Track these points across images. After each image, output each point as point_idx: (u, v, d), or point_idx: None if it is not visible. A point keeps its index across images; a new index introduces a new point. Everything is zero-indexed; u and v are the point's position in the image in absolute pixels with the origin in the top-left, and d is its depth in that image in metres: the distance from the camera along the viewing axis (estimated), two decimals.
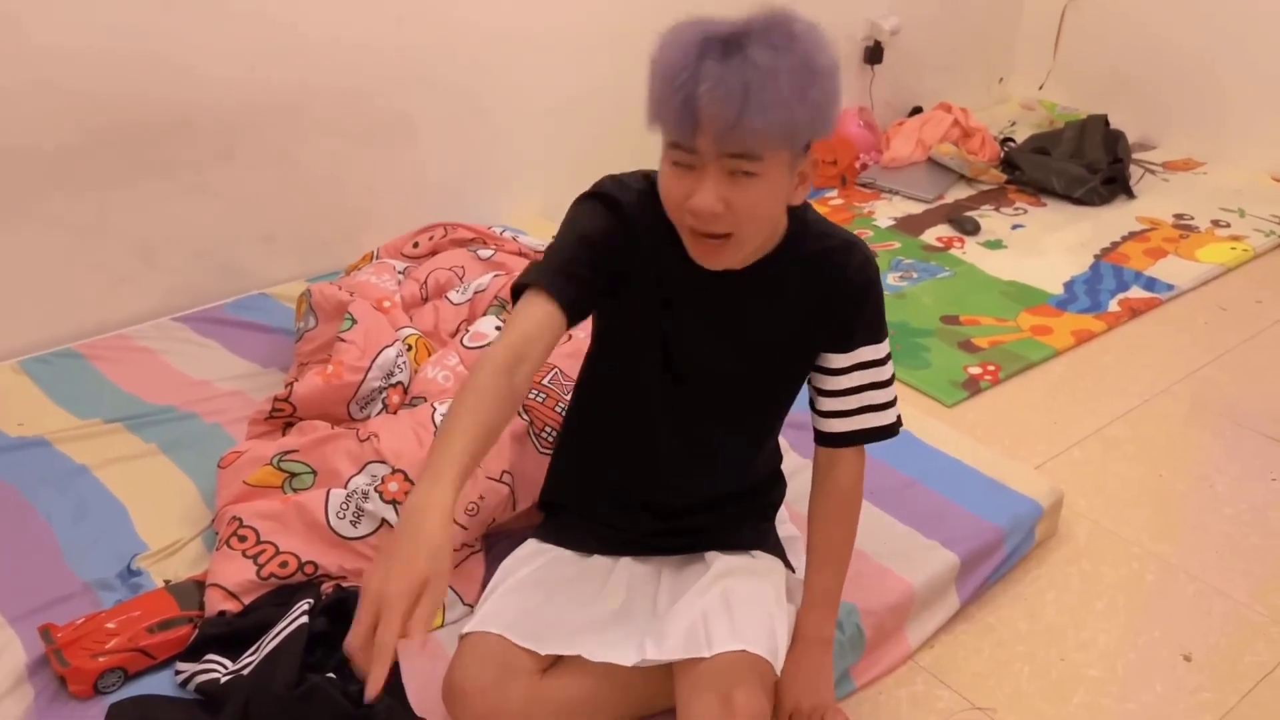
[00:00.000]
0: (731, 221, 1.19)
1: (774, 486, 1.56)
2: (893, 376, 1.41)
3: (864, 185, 3.48)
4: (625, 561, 1.49)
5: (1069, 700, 1.63)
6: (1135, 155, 3.61)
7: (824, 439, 1.42)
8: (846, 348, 1.37)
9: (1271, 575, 1.88)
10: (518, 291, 1.27)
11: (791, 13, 1.16)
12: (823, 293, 1.34)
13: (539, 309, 1.23)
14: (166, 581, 1.63)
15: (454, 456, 1.10)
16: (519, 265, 2.26)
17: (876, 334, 1.38)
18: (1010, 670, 1.68)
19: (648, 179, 1.32)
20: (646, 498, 1.48)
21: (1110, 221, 3.24)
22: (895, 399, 1.42)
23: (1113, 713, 1.60)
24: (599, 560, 1.49)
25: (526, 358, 1.21)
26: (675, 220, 1.24)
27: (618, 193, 1.31)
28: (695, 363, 1.38)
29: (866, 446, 1.45)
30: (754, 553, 1.49)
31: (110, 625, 1.49)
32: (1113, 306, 2.75)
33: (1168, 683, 1.66)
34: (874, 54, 3.66)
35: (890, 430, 1.42)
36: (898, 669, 1.67)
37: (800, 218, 1.32)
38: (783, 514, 1.64)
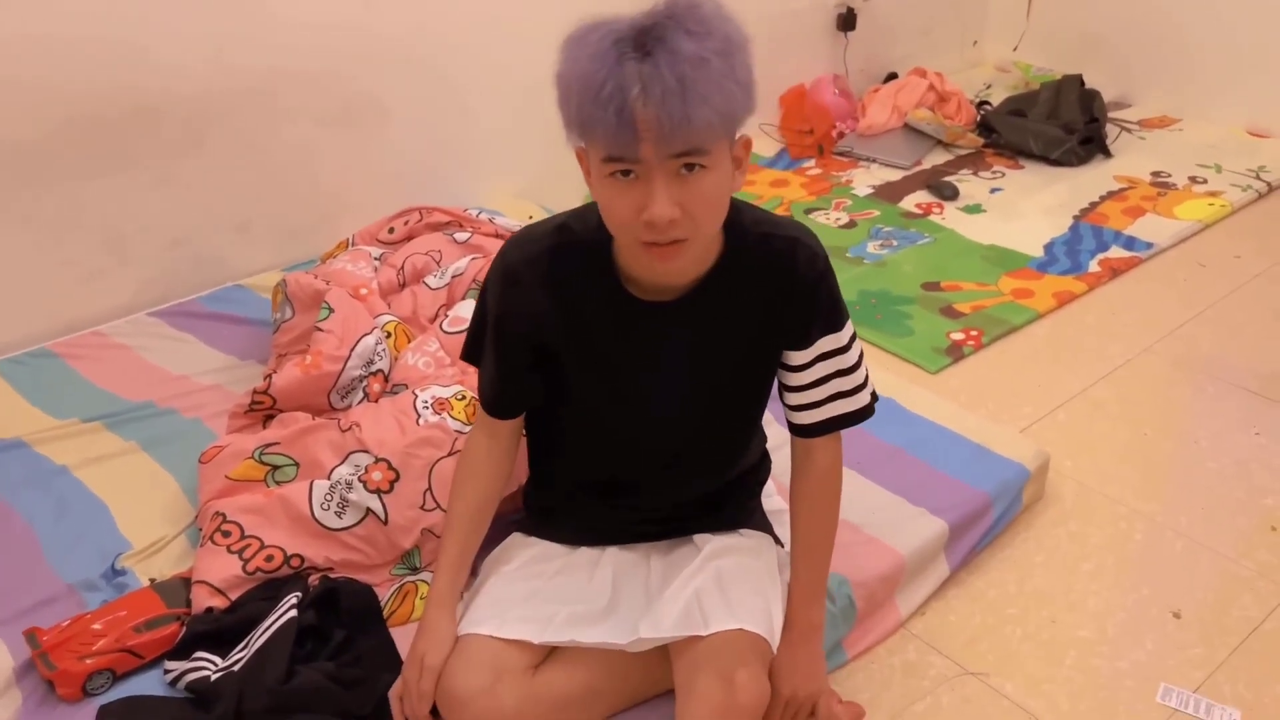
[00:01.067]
0: (688, 224, 1.14)
1: (759, 464, 1.55)
2: (860, 358, 1.37)
3: (841, 154, 3.46)
4: (611, 551, 1.48)
5: (1061, 661, 1.63)
6: (1111, 114, 3.60)
7: (797, 430, 1.40)
8: (806, 344, 1.33)
9: (1256, 529, 1.89)
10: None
11: None
12: (774, 296, 1.29)
13: (488, 428, 1.42)
14: (152, 580, 1.61)
15: (450, 550, 1.40)
16: (495, 247, 2.23)
17: (835, 323, 1.33)
18: (1001, 634, 1.69)
19: (559, 229, 1.29)
20: (627, 502, 1.47)
21: (1088, 182, 3.23)
22: (865, 380, 1.38)
23: (1104, 672, 1.61)
24: (585, 551, 1.48)
25: (501, 439, 1.43)
26: (624, 238, 1.19)
27: (520, 264, 1.29)
28: (655, 393, 1.35)
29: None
30: (742, 531, 1.48)
31: (96, 626, 1.48)
32: (1093, 267, 2.75)
33: (1158, 640, 1.67)
34: (847, 21, 3.63)
35: (864, 413, 1.39)
36: (890, 638, 1.67)
37: (735, 221, 1.25)
38: (770, 487, 1.63)
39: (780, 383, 1.40)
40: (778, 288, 1.29)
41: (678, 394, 1.36)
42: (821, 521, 1.43)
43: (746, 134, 1.19)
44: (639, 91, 1.04)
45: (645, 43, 1.05)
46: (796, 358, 1.34)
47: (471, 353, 1.41)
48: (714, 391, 1.37)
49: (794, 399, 1.38)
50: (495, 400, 1.40)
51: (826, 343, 1.33)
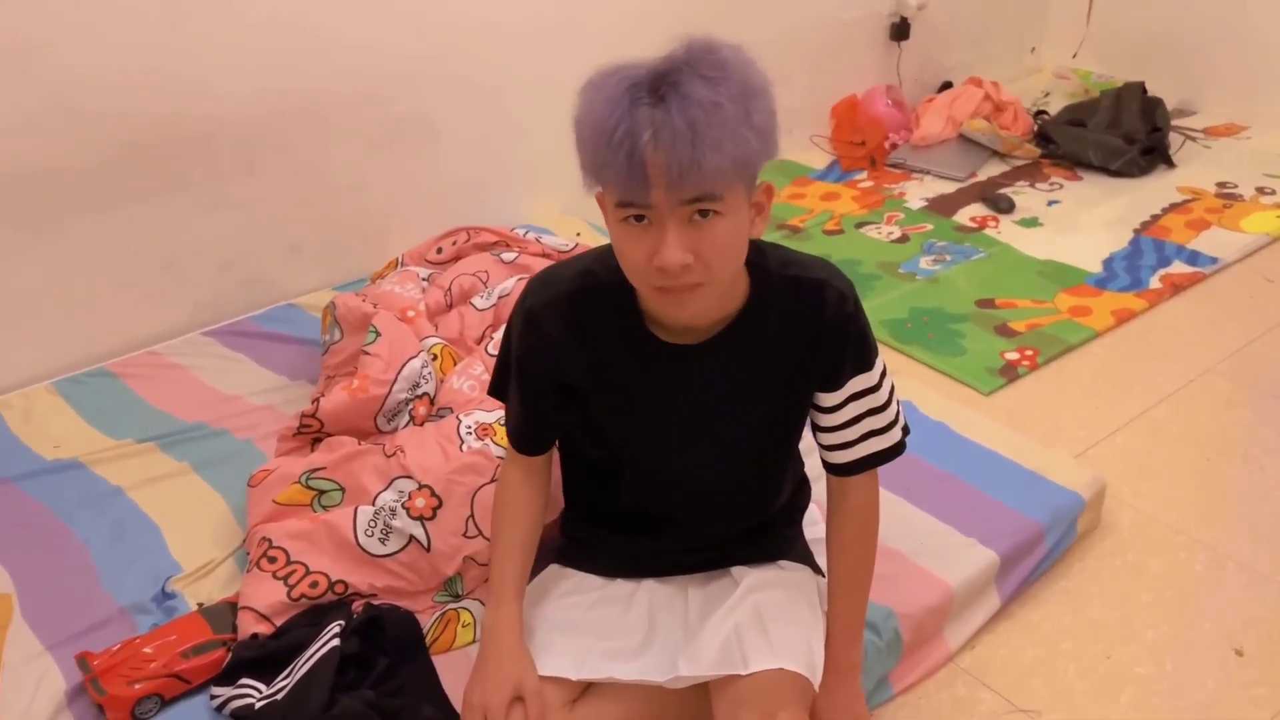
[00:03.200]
0: (701, 270, 1.13)
1: (797, 493, 1.52)
2: (890, 394, 1.35)
3: (894, 166, 3.42)
4: (648, 584, 1.46)
5: (1117, 699, 1.59)
6: (1175, 122, 3.51)
7: (832, 469, 1.39)
8: (838, 386, 1.31)
9: None
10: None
11: (713, 39, 1.08)
12: (803, 341, 1.27)
13: (520, 464, 1.42)
14: (200, 604, 1.63)
15: (510, 575, 1.37)
16: (542, 267, 2.24)
17: (866, 362, 1.31)
18: (1055, 669, 1.64)
19: (583, 273, 1.28)
20: (663, 534, 1.45)
21: (1150, 193, 3.15)
22: (897, 416, 1.36)
23: (1162, 711, 1.56)
24: (621, 584, 1.46)
25: (535, 473, 1.42)
26: (639, 283, 1.18)
27: (541, 308, 1.28)
28: (685, 435, 1.34)
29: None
30: (781, 563, 1.46)
31: (146, 650, 1.50)
32: (1154, 283, 2.68)
33: (1219, 678, 1.61)
34: (900, 30, 3.58)
35: (896, 450, 1.37)
36: (938, 672, 1.64)
37: (759, 265, 1.24)
38: (813, 513, 1.60)
39: (813, 422, 1.38)
40: (807, 330, 1.27)
41: (707, 437, 1.34)
42: (859, 560, 1.41)
43: (769, 181, 1.17)
44: (650, 136, 1.03)
45: (660, 88, 1.04)
46: (828, 399, 1.33)
47: (498, 389, 1.41)
48: (744, 434, 1.35)
49: (827, 439, 1.36)
50: (523, 438, 1.40)
51: (858, 383, 1.31)
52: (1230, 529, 1.90)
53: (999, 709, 1.58)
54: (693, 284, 1.13)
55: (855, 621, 1.42)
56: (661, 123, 1.03)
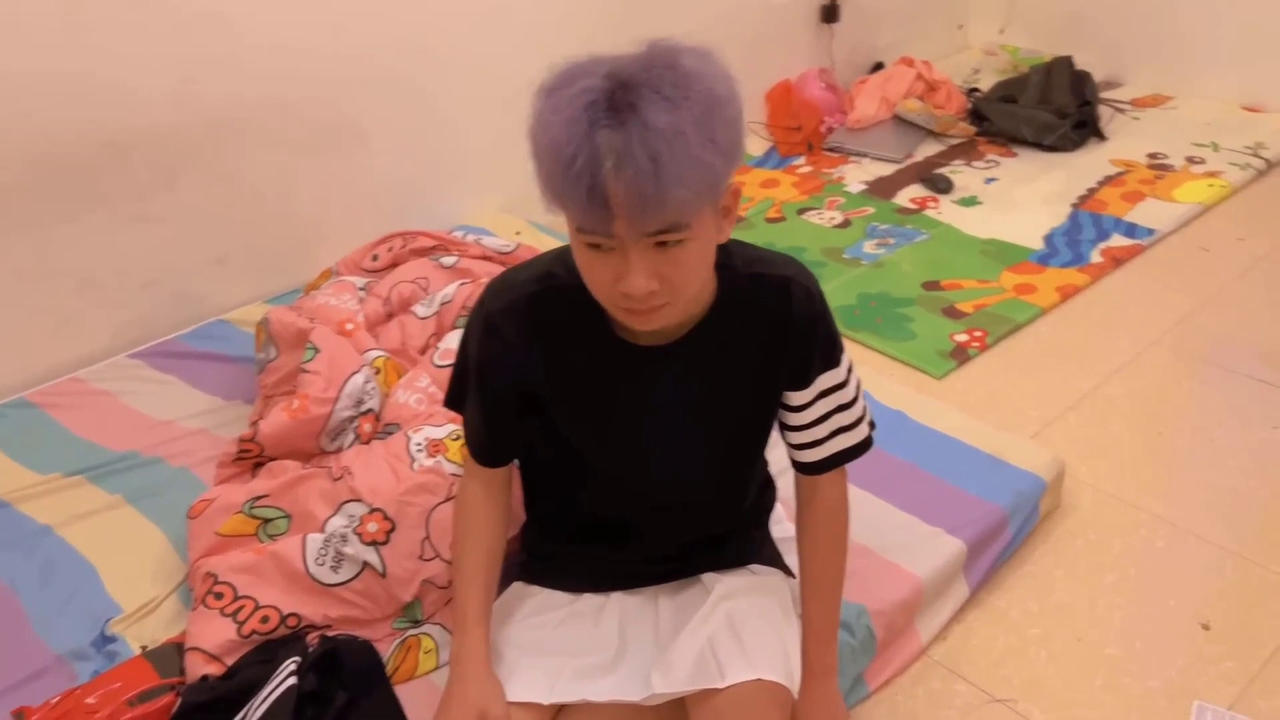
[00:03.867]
0: (668, 292, 1.09)
1: (763, 494, 1.49)
2: (857, 389, 1.33)
3: (831, 150, 3.40)
4: (616, 596, 1.42)
5: (1089, 683, 1.58)
6: (1103, 95, 3.54)
7: (801, 468, 1.36)
8: (806, 384, 1.29)
9: None
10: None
11: (675, 46, 1.02)
12: (771, 338, 1.25)
13: (481, 477, 1.36)
14: (144, 647, 1.55)
15: (474, 602, 1.31)
16: (484, 270, 2.18)
17: (833, 358, 1.29)
18: (1026, 656, 1.63)
19: (543, 276, 1.23)
20: (630, 544, 1.41)
21: (1084, 167, 3.17)
22: (865, 412, 1.34)
23: (1135, 692, 1.56)
24: (589, 598, 1.42)
25: (496, 486, 1.37)
26: (602, 300, 1.13)
27: (500, 314, 1.23)
28: (652, 440, 1.30)
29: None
30: (752, 567, 1.42)
31: (89, 701, 1.42)
32: (1095, 257, 2.69)
33: (1188, 654, 1.62)
34: (830, 12, 3.56)
35: (864, 446, 1.35)
36: (911, 666, 1.62)
37: (726, 265, 1.19)
38: (778, 512, 1.57)
39: (781, 422, 1.35)
40: (774, 329, 1.24)
41: (675, 440, 1.30)
42: (832, 558, 1.38)
43: (736, 182, 1.13)
44: (611, 165, 0.97)
45: (619, 108, 0.98)
46: (797, 398, 1.30)
47: (455, 400, 1.35)
48: (712, 435, 1.31)
49: (796, 438, 1.33)
50: (484, 449, 1.35)
51: (826, 380, 1.29)
52: (1187, 502, 1.91)
53: (975, 700, 1.56)
54: (659, 305, 1.09)
55: (830, 622, 1.39)
56: (623, 151, 0.97)
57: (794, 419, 1.32)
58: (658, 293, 1.07)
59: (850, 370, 1.32)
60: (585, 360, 1.24)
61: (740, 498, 1.42)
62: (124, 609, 1.62)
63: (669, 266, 1.06)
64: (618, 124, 0.97)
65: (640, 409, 1.27)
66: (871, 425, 1.36)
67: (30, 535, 1.78)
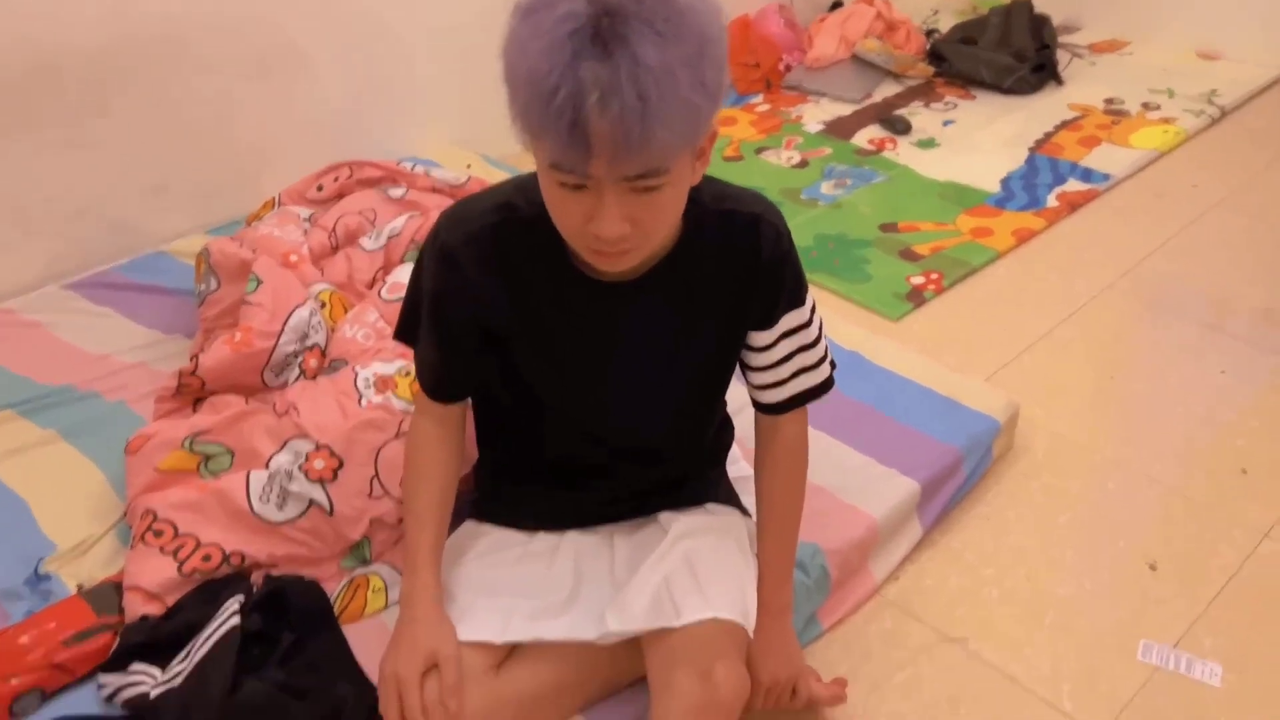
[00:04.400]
0: (638, 237, 1.04)
1: (721, 433, 1.47)
2: (820, 330, 1.31)
3: (789, 88, 3.35)
4: (571, 536, 1.39)
5: (1040, 622, 1.59)
6: (1061, 39, 3.52)
7: (762, 408, 1.34)
8: (771, 324, 1.26)
9: (1228, 473, 1.86)
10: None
11: None
12: (737, 276, 1.21)
13: (434, 414, 1.32)
14: (80, 586, 1.49)
15: (425, 542, 1.27)
16: (434, 203, 2.11)
17: (798, 297, 1.26)
18: (979, 596, 1.64)
19: (501, 206, 1.17)
20: (586, 484, 1.38)
21: (1041, 111, 3.16)
22: (826, 352, 1.33)
23: (1085, 631, 1.58)
24: (543, 537, 1.39)
25: (450, 423, 1.32)
26: (569, 239, 1.08)
27: (458, 245, 1.17)
28: (613, 376, 1.26)
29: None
30: (708, 506, 1.40)
31: (22, 640, 1.37)
32: (1051, 201, 2.69)
33: (1135, 594, 1.64)
34: None
35: (825, 386, 1.34)
36: (865, 605, 1.62)
37: (693, 200, 1.13)
38: (735, 453, 1.55)
39: (743, 362, 1.32)
40: (741, 267, 1.21)
41: (637, 377, 1.27)
42: (790, 499, 1.37)
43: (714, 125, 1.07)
44: (595, 101, 0.90)
45: (606, 38, 0.90)
46: (761, 338, 1.27)
47: (406, 332, 1.30)
48: (675, 373, 1.28)
49: (758, 378, 1.31)
50: (438, 385, 1.30)
51: (790, 319, 1.27)
52: (1139, 445, 1.93)
53: (928, 639, 1.57)
54: (628, 248, 1.05)
55: (786, 562, 1.39)
56: (609, 86, 0.90)
57: (757, 359, 1.30)
58: (629, 236, 1.03)
59: (814, 310, 1.30)
60: (547, 295, 1.20)
61: (700, 437, 1.40)
62: (59, 547, 1.57)
63: (643, 210, 1.01)
64: (604, 56, 0.90)
65: (602, 346, 1.24)
66: (833, 365, 1.35)
67: None
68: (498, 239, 1.18)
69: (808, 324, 1.29)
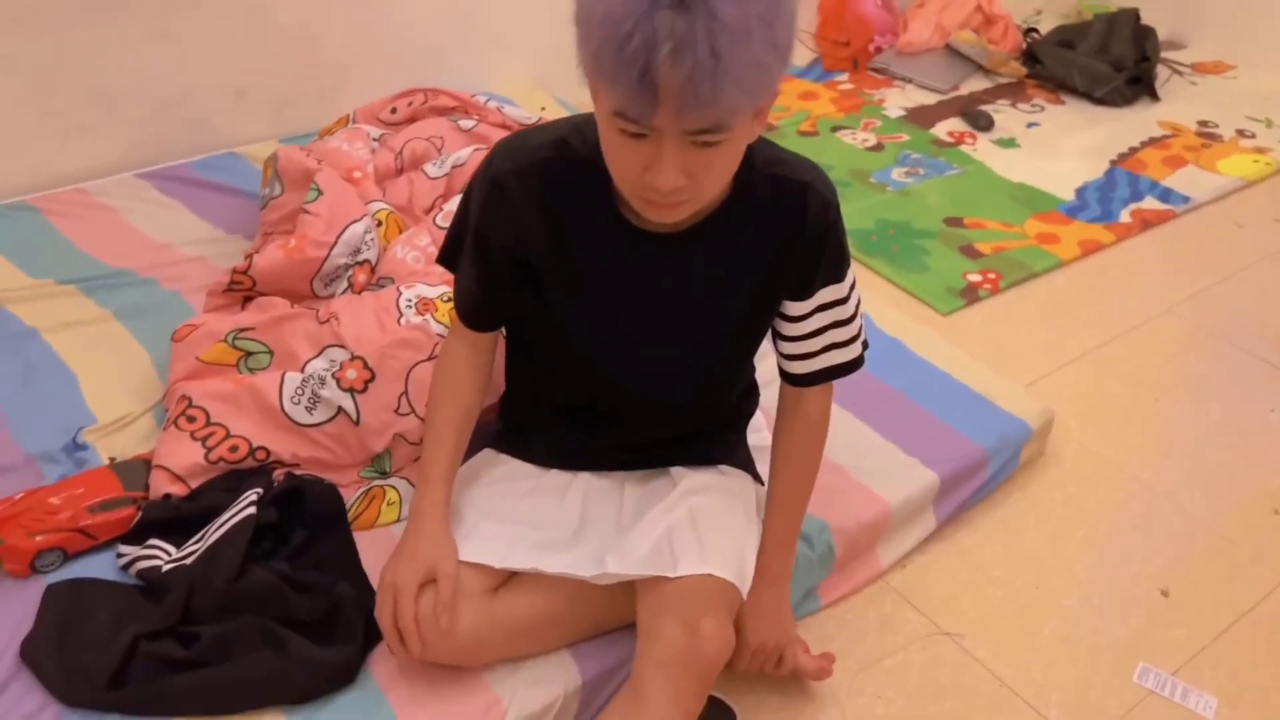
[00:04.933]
0: (693, 190, 1.05)
1: (745, 399, 1.47)
2: (856, 307, 1.31)
3: (876, 70, 3.30)
4: (584, 476, 1.41)
5: (1040, 629, 1.59)
6: (1164, 54, 3.42)
7: (788, 378, 1.35)
8: (807, 295, 1.26)
9: (1259, 511, 1.83)
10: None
11: None
12: (779, 242, 1.21)
13: (467, 339, 1.34)
14: (112, 459, 1.56)
15: (441, 459, 1.30)
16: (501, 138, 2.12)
17: (838, 273, 1.26)
18: (982, 595, 1.64)
19: (558, 143, 1.18)
20: (605, 429, 1.40)
21: (1131, 125, 3.08)
22: (860, 330, 1.32)
23: (1083, 645, 1.57)
24: (556, 474, 1.41)
25: (481, 350, 1.35)
26: (623, 186, 1.09)
27: (509, 175, 1.18)
28: (642, 326, 1.27)
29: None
30: (722, 467, 1.41)
31: (52, 501, 1.43)
32: (1124, 217, 2.63)
33: (1142, 617, 1.62)
34: None
35: (854, 364, 1.34)
36: (866, 588, 1.62)
37: (745, 159, 1.13)
38: (758, 420, 1.56)
39: (775, 330, 1.33)
40: (785, 234, 1.21)
41: (665, 330, 1.28)
42: (803, 471, 1.38)
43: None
44: (668, 52, 0.90)
45: None
46: (796, 308, 1.27)
47: (449, 258, 1.33)
48: (704, 332, 1.29)
49: (789, 348, 1.31)
50: (473, 312, 1.33)
51: (827, 294, 1.27)
52: (1170, 471, 1.90)
53: (923, 629, 1.57)
54: (681, 200, 1.05)
55: (790, 532, 1.40)
56: (683, 39, 0.90)
57: (789, 329, 1.30)
58: (684, 189, 1.03)
59: (853, 287, 1.30)
60: (588, 236, 1.21)
61: (720, 400, 1.40)
62: (99, 420, 1.63)
63: (700, 164, 1.02)
64: (682, 8, 0.90)
65: (636, 293, 1.25)
66: (864, 345, 1.35)
67: (15, 336, 1.78)
68: (547, 174, 1.19)
69: (844, 300, 1.29)
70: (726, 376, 1.39)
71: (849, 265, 1.28)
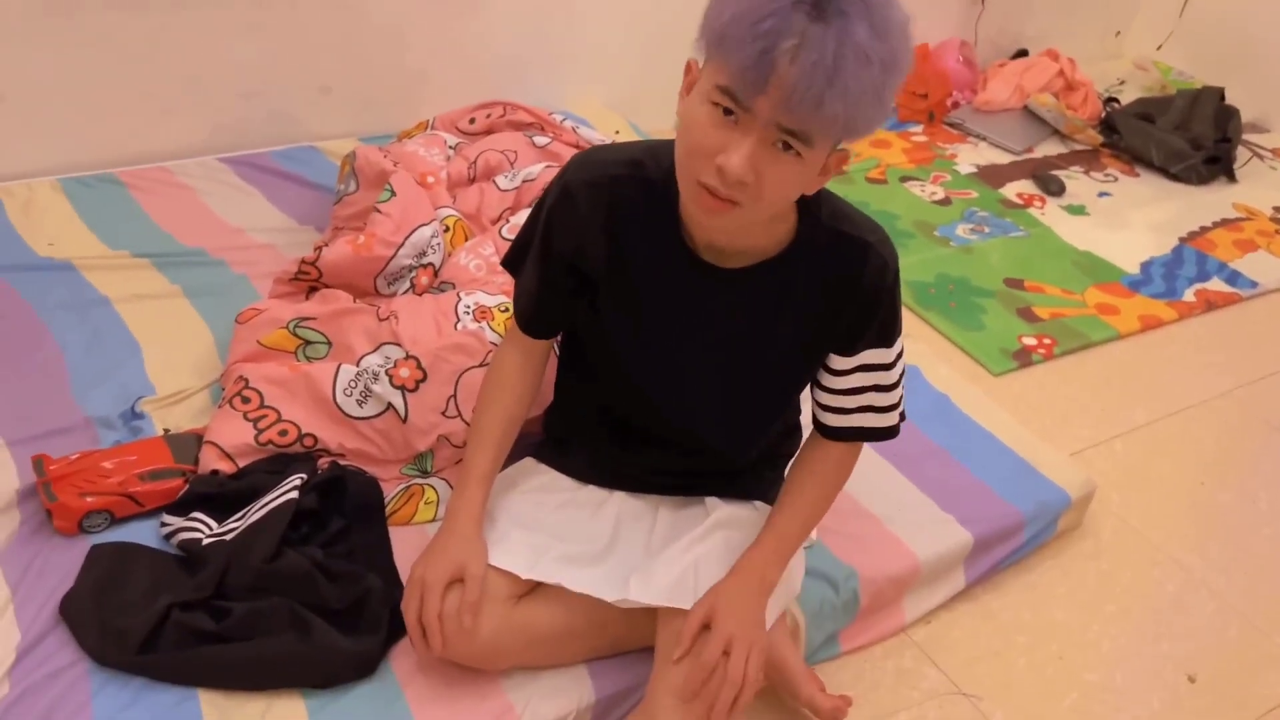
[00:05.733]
0: (751, 193, 1.06)
1: (787, 439, 1.48)
2: (900, 378, 1.30)
3: (951, 125, 3.30)
4: (619, 495, 1.43)
5: (1060, 700, 1.57)
6: (1245, 136, 3.38)
7: (819, 427, 1.35)
8: (852, 351, 1.27)
9: None
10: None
11: None
12: (833, 297, 1.22)
13: (521, 345, 1.37)
14: (166, 430, 1.60)
15: (482, 462, 1.33)
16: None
17: (887, 338, 1.27)
18: (1004, 660, 1.62)
19: (631, 161, 1.21)
20: (644, 451, 1.41)
21: (1204, 204, 3.05)
22: (899, 401, 1.32)
23: None
24: (592, 490, 1.43)
25: (533, 358, 1.38)
26: (687, 168, 1.09)
27: (580, 185, 1.22)
28: (686, 356, 1.29)
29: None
30: (756, 503, 1.42)
31: (105, 465, 1.48)
32: (1188, 296, 2.60)
33: (1166, 701, 1.60)
34: None
35: (888, 433, 1.33)
36: (888, 640, 1.62)
37: (812, 211, 1.18)
38: None
39: (815, 379, 1.33)
40: (840, 290, 1.22)
41: (710, 362, 1.29)
42: (806, 517, 1.35)
43: (850, 149, 1.11)
44: (793, 46, 0.96)
45: (826, 6, 0.96)
46: (839, 362, 1.28)
47: (514, 262, 1.36)
48: (747, 369, 1.30)
49: (825, 399, 1.32)
50: (530, 318, 1.36)
51: (872, 355, 1.27)
52: (1210, 555, 1.87)
53: (941, 688, 1.56)
54: (735, 200, 1.07)
55: (786, 541, 1.33)
56: (811, 40, 0.95)
57: (829, 381, 1.31)
58: (746, 186, 1.05)
59: (899, 356, 1.30)
60: (648, 257, 1.23)
61: (754, 439, 1.40)
62: (157, 392, 1.68)
63: (770, 169, 1.04)
64: (819, 18, 0.96)
65: (686, 320, 1.27)
66: (902, 417, 1.34)
67: (89, 303, 1.85)
68: (616, 190, 1.22)
69: (889, 366, 1.29)
70: (762, 417, 1.39)
71: (899, 335, 1.28)
